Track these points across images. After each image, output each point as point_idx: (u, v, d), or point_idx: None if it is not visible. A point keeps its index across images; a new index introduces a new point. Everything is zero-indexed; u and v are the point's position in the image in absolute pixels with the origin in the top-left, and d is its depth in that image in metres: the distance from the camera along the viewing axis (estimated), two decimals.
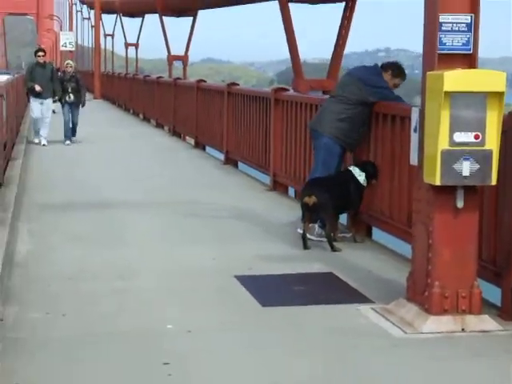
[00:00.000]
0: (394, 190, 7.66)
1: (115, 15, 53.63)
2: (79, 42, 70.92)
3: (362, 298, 6.12)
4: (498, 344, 5.14)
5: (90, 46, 62.54)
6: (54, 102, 18.06)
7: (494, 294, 5.81)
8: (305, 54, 15.03)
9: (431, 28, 5.39)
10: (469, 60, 5.37)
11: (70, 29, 63.55)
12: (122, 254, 7.48)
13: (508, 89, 5.41)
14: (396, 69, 8.14)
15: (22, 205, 9.90)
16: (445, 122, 5.20)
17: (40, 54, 17.61)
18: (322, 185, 7.80)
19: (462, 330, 5.32)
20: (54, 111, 19.08)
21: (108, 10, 50.14)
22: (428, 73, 5.37)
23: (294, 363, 4.83)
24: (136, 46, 52.58)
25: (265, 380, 4.60)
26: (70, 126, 17.91)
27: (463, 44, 5.35)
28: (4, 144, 12.57)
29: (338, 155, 8.14)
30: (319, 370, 4.75)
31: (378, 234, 8.21)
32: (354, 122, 8.03)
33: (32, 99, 17.92)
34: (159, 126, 23.06)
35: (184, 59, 34.86)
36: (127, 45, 53.48)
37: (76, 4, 70.97)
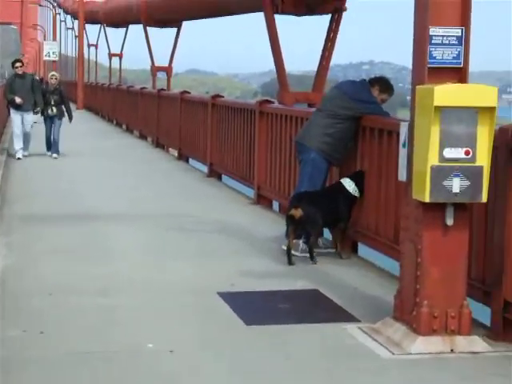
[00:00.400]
0: (380, 206, 7.53)
1: (99, 25, 53.47)
2: (63, 51, 70.71)
3: (348, 317, 5.98)
4: (487, 367, 5.01)
5: (74, 55, 62.27)
6: (36, 113, 17.72)
7: (482, 313, 5.68)
8: (289, 65, 14.94)
9: (421, 41, 5.28)
10: (459, 74, 5.26)
11: (54, 38, 63.26)
12: (103, 269, 7.31)
13: None
14: (384, 84, 8.03)
15: (1, 217, 9.71)
16: (435, 137, 5.08)
17: (17, 64, 17.32)
18: (310, 198, 7.67)
19: (451, 350, 5.18)
20: (35, 122, 18.77)
21: (92, 20, 49.99)
22: (417, 87, 5.25)
23: None
24: (120, 56, 52.42)
25: None
26: (52, 139, 17.52)
27: (454, 58, 5.24)
28: None
29: (324, 171, 8.02)
30: None
31: (363, 250, 8.08)
32: (342, 137, 7.91)
33: (12, 112, 17.58)
34: (142, 137, 22.90)
35: (168, 70, 34.73)
36: (111, 55, 53.32)
37: (60, 14, 70.66)
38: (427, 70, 5.21)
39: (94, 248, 8.24)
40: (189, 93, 17.69)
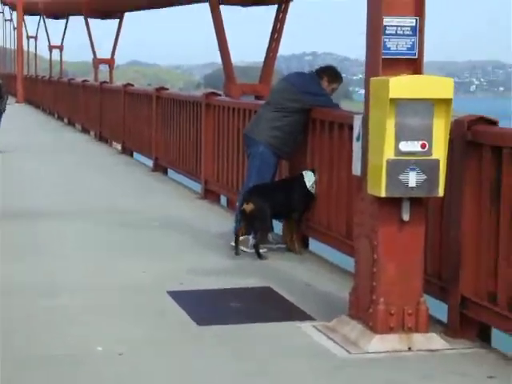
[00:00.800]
0: (331, 200, 7.39)
1: (39, 16, 52.64)
2: (1, 43, 69.52)
3: (301, 315, 5.82)
4: (446, 365, 4.89)
5: (13, 48, 61.20)
6: None
7: (439, 309, 5.58)
8: (234, 57, 14.84)
9: (374, 31, 5.13)
10: (414, 65, 5.12)
11: None
12: (46, 268, 7.05)
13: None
14: (332, 73, 7.91)
15: None
16: (390, 130, 4.93)
17: None
18: (262, 192, 7.51)
19: (409, 349, 5.06)
20: None
21: (31, 11, 49.18)
22: (372, 79, 5.10)
23: None
24: (60, 48, 51.72)
25: None
26: None
27: (408, 48, 5.10)
28: None
29: (273, 165, 7.85)
30: None
31: (314, 244, 7.94)
32: (292, 131, 7.75)
33: None
34: (85, 130, 22.52)
35: (110, 62, 34.36)
36: (51, 47, 52.55)
37: None
38: (381, 62, 5.06)
39: (35, 246, 7.97)
40: (132, 85, 17.42)
